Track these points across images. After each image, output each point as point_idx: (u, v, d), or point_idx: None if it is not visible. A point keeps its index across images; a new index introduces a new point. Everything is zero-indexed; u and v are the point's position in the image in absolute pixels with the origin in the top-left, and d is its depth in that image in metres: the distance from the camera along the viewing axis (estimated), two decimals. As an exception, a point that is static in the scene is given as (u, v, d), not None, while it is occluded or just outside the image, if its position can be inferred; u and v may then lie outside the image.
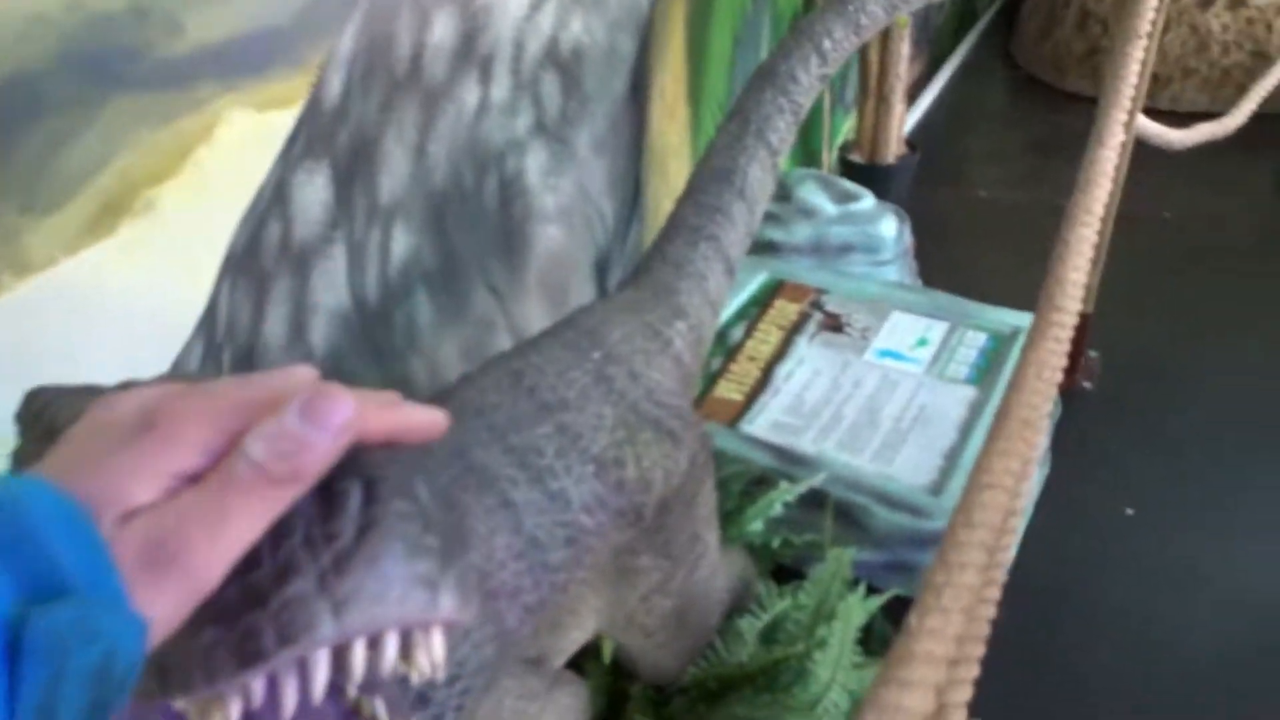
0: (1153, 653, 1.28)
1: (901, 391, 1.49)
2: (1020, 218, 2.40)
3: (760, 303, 1.71)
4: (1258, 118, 2.03)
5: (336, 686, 0.41)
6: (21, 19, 0.68)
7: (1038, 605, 1.34)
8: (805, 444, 1.39)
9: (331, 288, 0.99)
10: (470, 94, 1.14)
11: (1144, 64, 1.26)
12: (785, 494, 1.22)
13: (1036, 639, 1.29)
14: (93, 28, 0.73)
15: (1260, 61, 2.68)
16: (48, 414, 0.47)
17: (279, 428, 0.33)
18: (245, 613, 0.34)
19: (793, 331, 1.63)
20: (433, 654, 0.36)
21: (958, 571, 0.54)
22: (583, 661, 0.89)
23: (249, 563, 0.35)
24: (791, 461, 1.34)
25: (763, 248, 1.85)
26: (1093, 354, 1.80)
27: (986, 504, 0.61)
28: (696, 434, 0.85)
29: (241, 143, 0.86)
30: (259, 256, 0.90)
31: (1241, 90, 2.16)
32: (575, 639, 0.79)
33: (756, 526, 1.20)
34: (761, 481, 1.29)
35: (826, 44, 1.10)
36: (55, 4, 0.70)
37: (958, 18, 3.41)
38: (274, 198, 0.91)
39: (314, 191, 0.95)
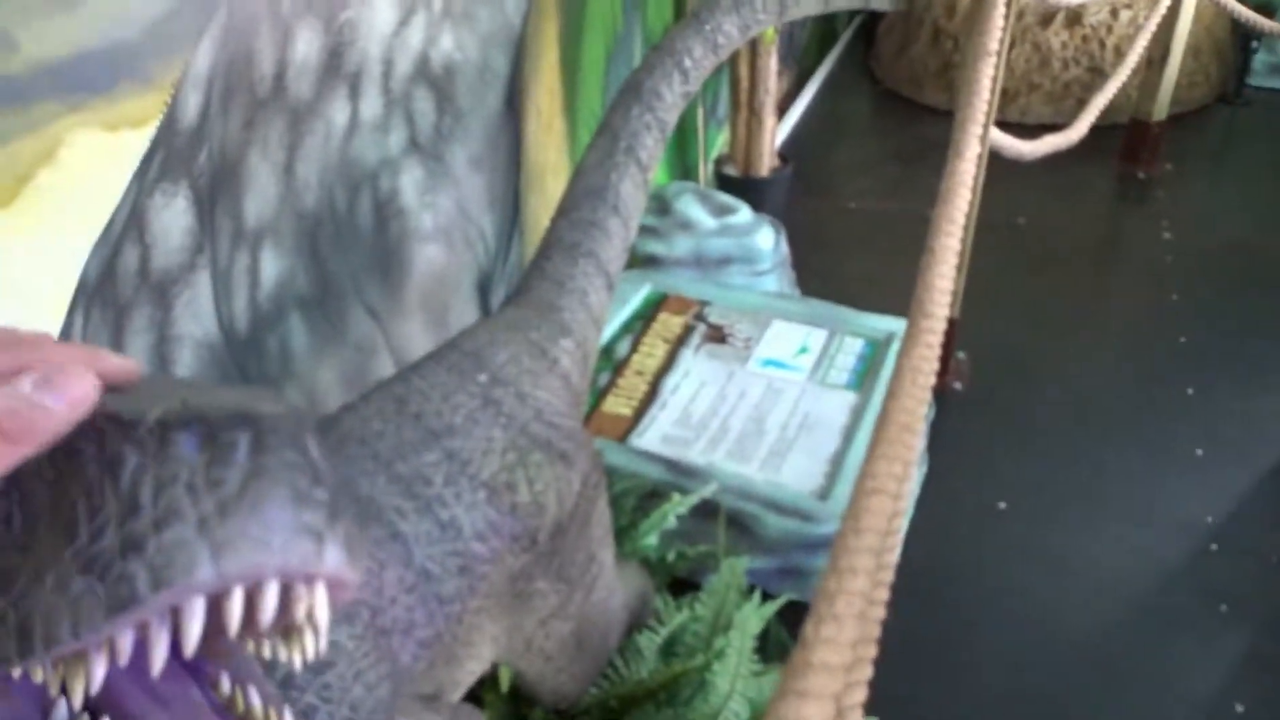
0: (1030, 634, 1.34)
1: (786, 399, 1.52)
2: (887, 226, 2.49)
3: (644, 316, 1.72)
4: (1095, 128, 2.18)
5: (209, 680, 0.37)
6: None
7: (921, 599, 1.38)
8: (695, 455, 1.40)
9: (196, 316, 0.94)
10: (339, 112, 1.11)
11: (995, 80, 1.33)
12: (678, 506, 1.22)
13: (921, 631, 1.34)
14: (-87, 43, 0.67)
15: (1096, 76, 2.88)
16: None
17: (14, 394, 0.33)
18: (120, 560, 0.31)
19: (678, 344, 1.65)
20: (315, 613, 0.34)
21: (849, 577, 0.55)
22: (480, 692, 0.87)
23: (129, 510, 0.32)
24: (682, 473, 1.34)
25: (644, 261, 1.86)
26: (961, 355, 1.89)
27: (872, 509, 0.62)
28: (588, 453, 0.85)
29: (89, 165, 0.80)
30: (115, 285, 0.84)
31: (1081, 103, 2.31)
32: (472, 670, 0.77)
33: (651, 541, 1.20)
34: (654, 495, 1.30)
35: (687, 62, 1.12)
36: None
37: (820, 35, 3.53)
38: (129, 222, 0.85)
39: (173, 215, 0.90)
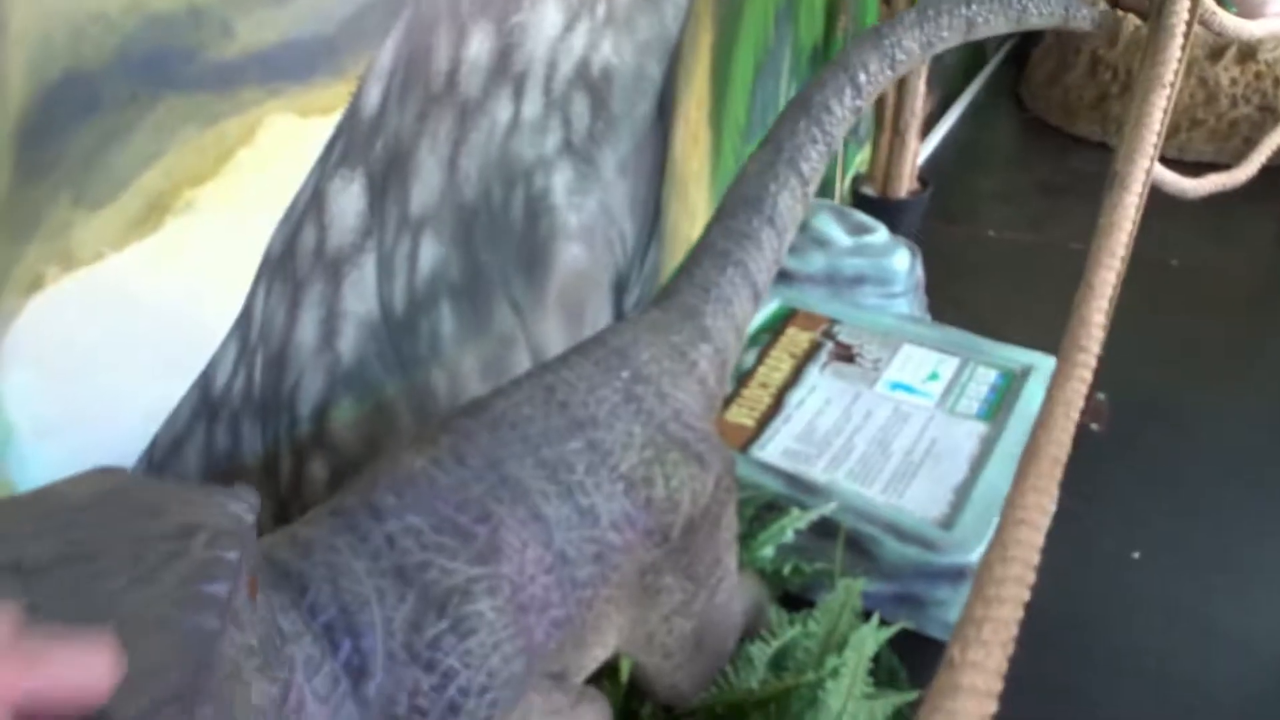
0: (1166, 694, 1.28)
1: (912, 424, 1.50)
2: (1028, 258, 2.42)
3: (772, 330, 1.72)
4: (1263, 170, 2.06)
5: None
6: (83, 17, 0.69)
7: (1049, 645, 1.33)
8: (816, 472, 1.39)
9: (361, 295, 1.00)
10: (503, 110, 1.16)
11: (1166, 113, 1.28)
12: (797, 520, 1.22)
13: (1047, 678, 1.29)
14: (150, 28, 0.73)
15: (1267, 115, 2.71)
16: None
17: None
18: None
19: (804, 360, 1.64)
20: None
21: (996, 606, 0.54)
22: (599, 679, 0.89)
23: None
24: (803, 489, 1.34)
25: (776, 275, 1.86)
26: (1101, 396, 1.81)
27: (1021, 540, 0.61)
28: (722, 457, 0.86)
29: (282, 147, 0.87)
30: (294, 261, 0.91)
31: (1247, 142, 2.19)
32: (597, 656, 0.79)
33: (767, 552, 1.21)
34: (772, 507, 1.30)
35: (861, 77, 1.11)
36: (116, 4, 0.71)
37: (968, 58, 3.45)
38: (310, 203, 0.91)
39: (349, 199, 0.96)
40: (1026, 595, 0.70)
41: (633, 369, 0.85)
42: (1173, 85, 1.26)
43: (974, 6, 1.16)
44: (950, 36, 1.15)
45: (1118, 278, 1.30)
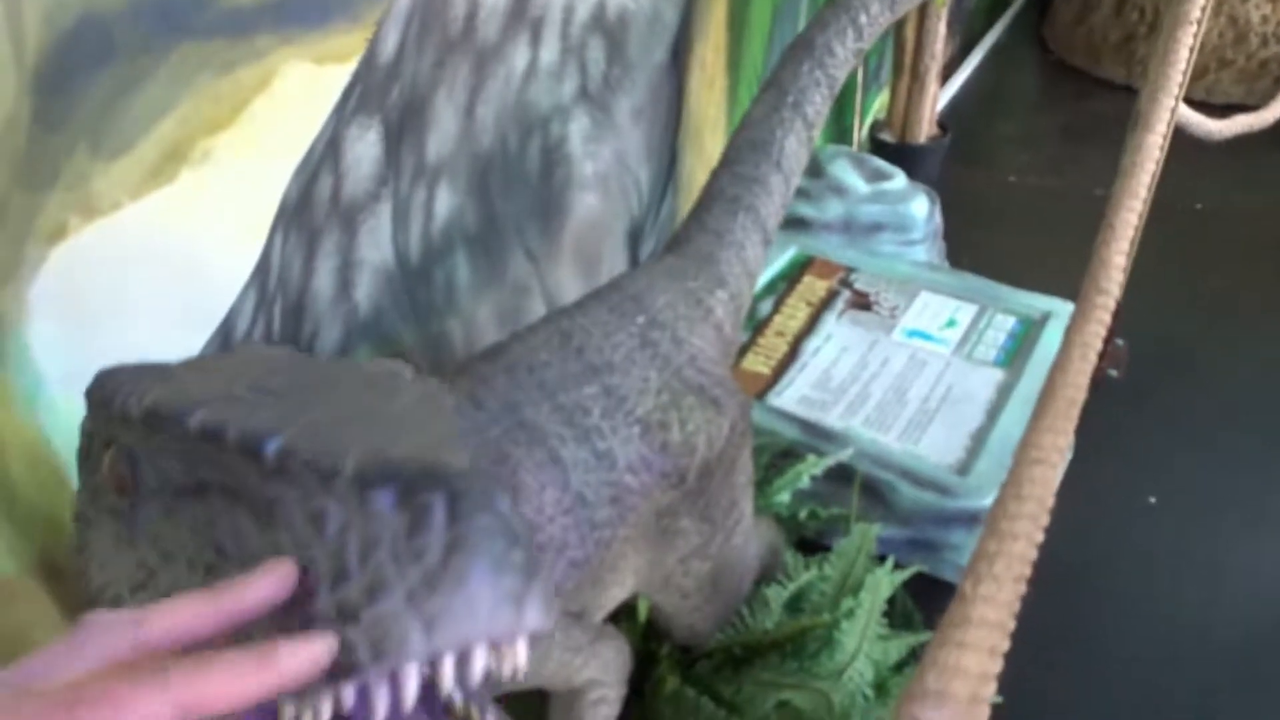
0: (1174, 639, 1.29)
1: (929, 371, 1.50)
2: (1049, 203, 2.38)
3: (789, 278, 1.71)
4: (1293, 111, 2.02)
5: (430, 687, 0.42)
6: (93, -37, 0.69)
7: (1062, 588, 1.35)
8: (832, 419, 1.39)
9: (377, 244, 1.00)
10: (520, 57, 1.14)
11: (1192, 50, 1.25)
12: (812, 467, 1.23)
13: (1057, 620, 1.30)
14: (160, -25, 0.73)
15: (1299, 54, 2.65)
16: (118, 399, 0.47)
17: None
18: (339, 626, 0.35)
19: (821, 308, 1.64)
20: (518, 662, 0.38)
21: (1009, 541, 0.55)
22: (617, 620, 0.91)
23: (339, 574, 0.36)
24: (818, 436, 1.35)
25: (793, 224, 1.85)
26: (1120, 342, 1.80)
27: (1035, 478, 0.62)
28: (737, 401, 0.87)
29: (297, 95, 0.86)
30: (311, 210, 0.91)
31: (1278, 83, 2.14)
32: (615, 596, 0.81)
33: (783, 498, 1.22)
34: (788, 454, 1.31)
35: (863, 18, 1.10)
36: (125, -51, 0.70)
37: (990, 1, 3.37)
38: (327, 152, 0.92)
39: (365, 147, 0.96)
40: (1040, 533, 0.71)
41: (649, 315, 0.85)
42: (1199, 22, 1.23)
43: None
44: None
45: (1140, 220, 1.29)
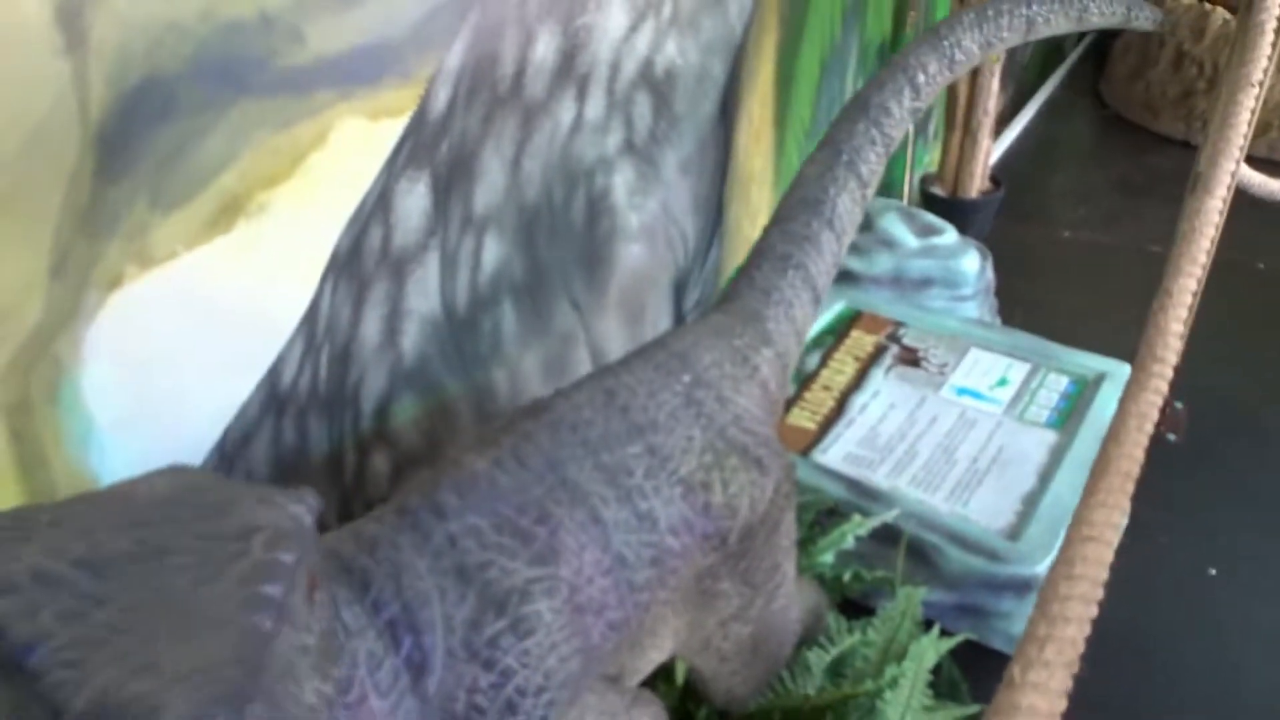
0: (1238, 710, 1.23)
1: (979, 431, 1.46)
2: (1105, 260, 2.34)
3: (836, 332, 1.70)
4: (1362, 170, 1.96)
5: None
6: (159, 26, 0.71)
7: (1120, 661, 1.30)
8: (879, 478, 1.37)
9: (424, 294, 1.01)
10: (566, 111, 1.16)
11: (1254, 113, 1.22)
12: (858, 527, 1.20)
13: (1119, 695, 1.25)
14: (223, 36, 0.76)
15: (1366, 112, 2.59)
16: None
17: None
18: None
19: (869, 363, 1.61)
20: None
21: (1060, 625, 0.53)
22: (654, 682, 0.89)
23: None
24: (864, 494, 1.32)
25: (841, 277, 1.84)
26: (1179, 405, 1.75)
27: (1088, 557, 0.59)
28: (781, 463, 0.85)
29: (352, 149, 0.88)
30: (360, 260, 0.92)
31: (1346, 140, 2.08)
32: (653, 659, 0.79)
33: (827, 558, 1.19)
34: (833, 513, 1.28)
35: (920, 78, 1.09)
36: (190, 13, 0.73)
37: (1045, 54, 3.36)
38: (378, 204, 0.93)
39: (415, 200, 0.98)
40: (1093, 614, 0.68)
41: (694, 373, 0.85)
42: (1261, 84, 1.20)
43: (1034, 6, 1.13)
44: (1010, 36, 1.13)
45: (1199, 284, 1.26)
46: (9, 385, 0.65)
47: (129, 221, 0.72)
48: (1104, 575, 0.59)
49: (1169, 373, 0.86)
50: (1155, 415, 0.81)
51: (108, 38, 0.68)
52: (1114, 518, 0.64)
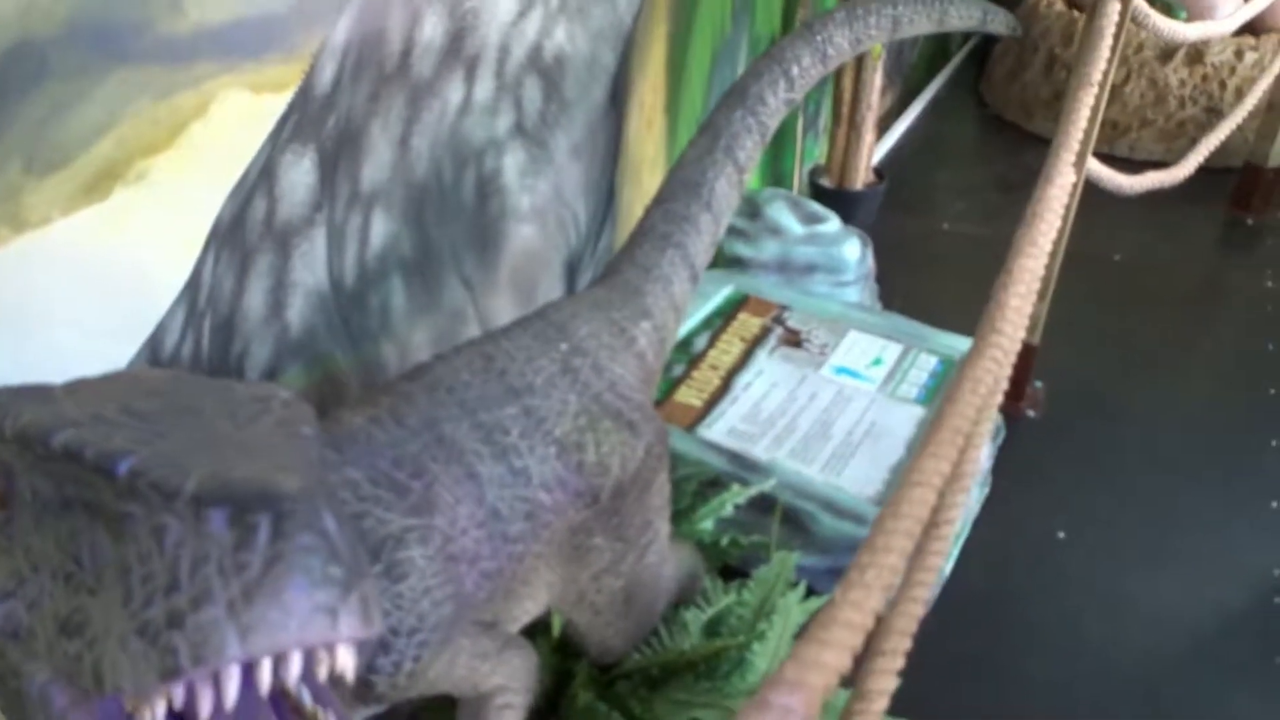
0: (1079, 666, 1.34)
1: (854, 407, 1.55)
2: (980, 250, 2.47)
3: (725, 315, 1.76)
4: (1207, 171, 2.14)
5: (290, 700, 0.46)
6: (33, -12, 0.71)
7: (972, 616, 1.40)
8: (759, 451, 1.44)
9: (311, 267, 1.03)
10: (455, 92, 1.19)
11: (1095, 110, 1.33)
12: (736, 496, 1.27)
13: (968, 650, 1.35)
14: (100, 3, 0.76)
15: (1213, 117, 2.80)
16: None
17: None
18: (166, 631, 0.40)
19: (754, 344, 1.69)
20: (338, 665, 0.42)
21: (882, 554, 0.59)
22: (532, 636, 0.93)
23: (172, 584, 0.41)
24: (745, 467, 1.39)
25: (730, 263, 1.91)
26: (1038, 384, 1.88)
27: (914, 499, 0.66)
28: (654, 427, 0.90)
29: (234, 121, 0.89)
30: (244, 231, 0.93)
31: (1194, 143, 2.27)
32: (528, 609, 0.83)
33: (707, 525, 1.25)
34: (715, 484, 1.34)
35: (794, 70, 1.16)
36: (65, -24, 0.73)
37: (930, 55, 3.51)
38: (261, 176, 0.94)
39: (300, 174, 0.99)
40: (928, 562, 0.75)
41: (571, 342, 0.89)
42: (1101, 84, 1.31)
43: (899, 7, 1.21)
44: (877, 34, 1.21)
45: (1047, 270, 1.36)
46: (-127, 344, 0.65)
47: (1, 185, 0.72)
48: (925, 515, 0.65)
49: (1007, 344, 0.94)
50: (991, 381, 0.89)
51: (-23, -2, 0.68)
52: (942, 466, 0.71)
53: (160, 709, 0.41)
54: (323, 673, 0.42)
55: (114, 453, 0.44)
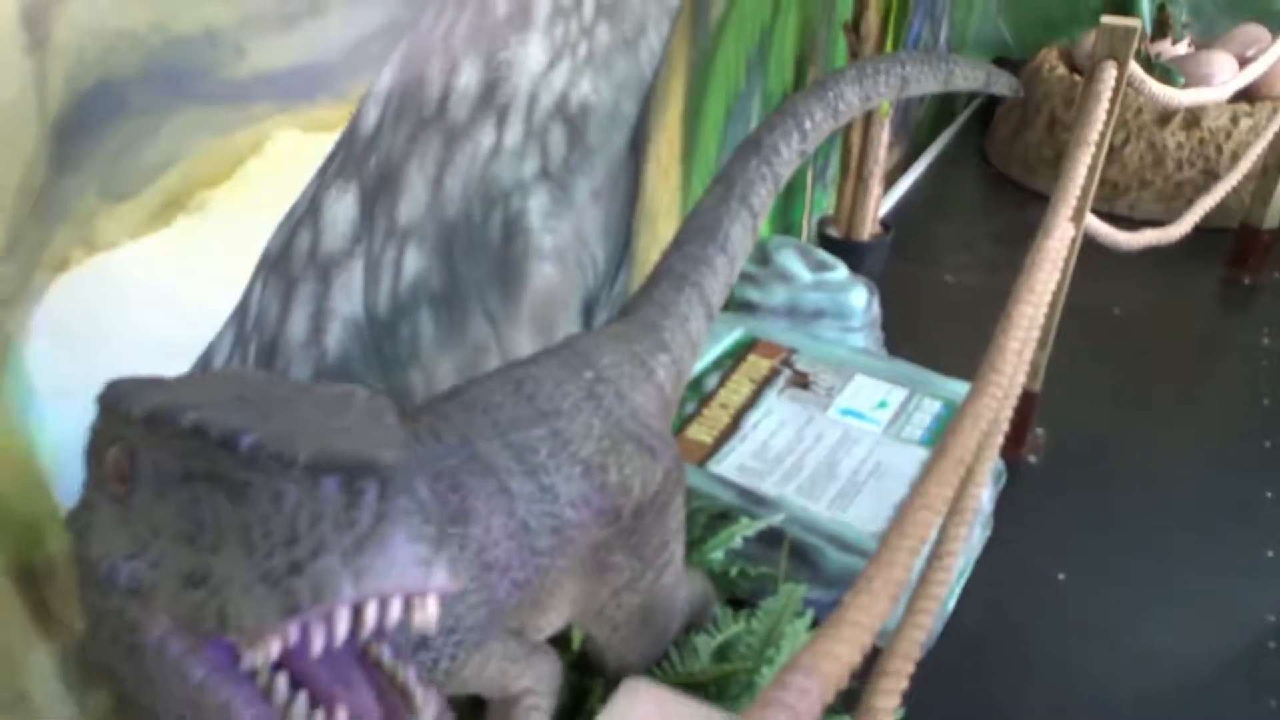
0: (1074, 702, 1.37)
1: (860, 448, 1.60)
2: (982, 301, 2.52)
3: (735, 356, 1.82)
4: (1204, 231, 2.21)
5: (371, 655, 0.52)
6: (113, 33, 0.78)
7: (972, 652, 1.43)
8: (767, 486, 1.48)
9: (348, 297, 1.09)
10: (486, 137, 1.26)
11: (1092, 168, 1.40)
12: (745, 528, 1.31)
13: (966, 687, 1.38)
14: (171, 47, 0.83)
15: (1210, 179, 2.88)
16: (123, 404, 0.59)
17: None
18: (288, 578, 0.47)
19: (763, 385, 1.74)
20: (428, 614, 0.49)
21: (887, 568, 0.63)
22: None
23: (291, 538, 0.48)
24: (754, 501, 1.43)
25: (741, 307, 1.97)
26: (1039, 431, 1.92)
27: (918, 520, 0.71)
28: (672, 454, 0.95)
29: (286, 158, 0.96)
30: (290, 261, 0.99)
31: (1191, 204, 2.34)
32: (552, 620, 0.87)
33: (717, 555, 1.29)
34: (724, 517, 1.39)
35: (807, 123, 1.23)
36: (142, 23, 0.80)
37: (936, 113, 3.62)
38: (308, 210, 1.01)
39: (343, 208, 1.05)
40: (932, 591, 0.80)
41: (595, 370, 0.94)
42: (1098, 144, 1.38)
43: (908, 67, 1.29)
44: (887, 92, 1.28)
45: (1047, 319, 1.41)
46: (-38, 351, 0.71)
47: (78, 209, 0.78)
48: (928, 536, 0.70)
49: (1004, 383, 0.99)
50: (990, 418, 0.94)
51: (67, 40, 0.74)
52: (945, 492, 0.75)
53: (275, 647, 0.46)
54: (418, 619, 0.47)
55: (237, 430, 0.51)
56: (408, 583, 0.46)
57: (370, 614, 0.47)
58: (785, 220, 2.38)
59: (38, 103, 0.73)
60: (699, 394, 1.70)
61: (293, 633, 0.47)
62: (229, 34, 0.88)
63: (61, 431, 0.78)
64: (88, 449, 0.64)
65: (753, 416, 1.66)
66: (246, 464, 0.50)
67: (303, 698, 0.51)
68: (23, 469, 0.77)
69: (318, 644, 0.47)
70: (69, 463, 0.79)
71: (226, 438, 0.51)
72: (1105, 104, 1.37)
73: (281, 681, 0.51)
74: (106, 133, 0.79)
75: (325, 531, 0.46)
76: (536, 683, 0.80)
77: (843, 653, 0.52)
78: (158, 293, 0.85)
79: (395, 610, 0.47)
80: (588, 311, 1.60)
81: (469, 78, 1.19)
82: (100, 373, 0.80)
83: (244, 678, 0.52)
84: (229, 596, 0.48)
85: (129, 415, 0.57)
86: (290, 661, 0.51)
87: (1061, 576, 1.60)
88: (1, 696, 0.78)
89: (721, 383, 1.74)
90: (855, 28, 2.22)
